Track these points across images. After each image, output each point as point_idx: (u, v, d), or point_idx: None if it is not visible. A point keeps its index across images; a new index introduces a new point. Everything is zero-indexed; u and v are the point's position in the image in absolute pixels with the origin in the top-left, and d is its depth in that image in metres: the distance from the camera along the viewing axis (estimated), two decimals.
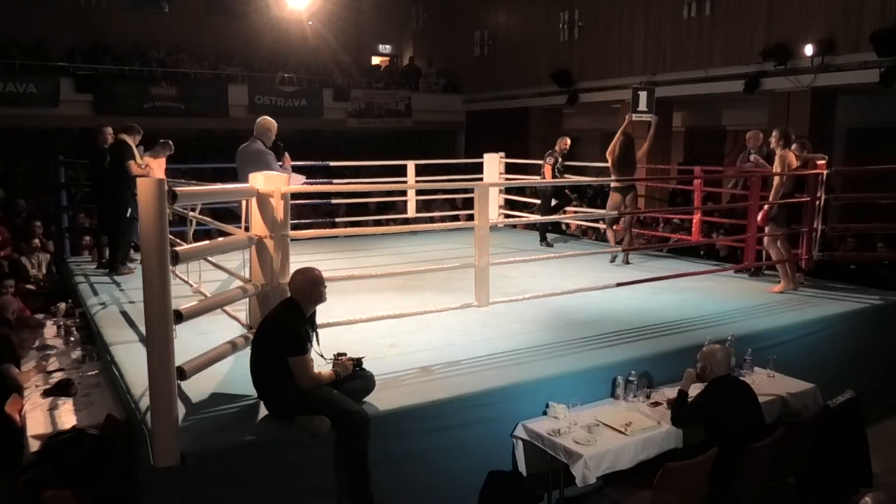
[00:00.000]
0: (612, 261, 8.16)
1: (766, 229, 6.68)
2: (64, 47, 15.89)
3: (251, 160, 5.89)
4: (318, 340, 3.97)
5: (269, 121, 6.18)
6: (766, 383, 4.88)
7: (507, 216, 10.30)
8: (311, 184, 8.12)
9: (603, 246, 9.78)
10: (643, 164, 9.39)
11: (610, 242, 8.68)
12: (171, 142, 8.16)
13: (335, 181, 7.05)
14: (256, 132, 6.08)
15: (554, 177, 9.19)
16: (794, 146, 6.90)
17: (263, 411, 3.80)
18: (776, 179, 6.56)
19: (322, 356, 3.98)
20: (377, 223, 11.59)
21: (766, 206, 6.58)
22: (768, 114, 11.82)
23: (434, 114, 18.76)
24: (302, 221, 9.98)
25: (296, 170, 6.98)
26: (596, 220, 10.72)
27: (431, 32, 20.50)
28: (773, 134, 6.75)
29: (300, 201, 10.96)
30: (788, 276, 6.71)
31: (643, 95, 8.56)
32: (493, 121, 17.55)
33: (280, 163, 6.04)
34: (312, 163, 10.00)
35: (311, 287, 3.85)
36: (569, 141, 9.60)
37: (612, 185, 8.16)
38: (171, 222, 3.70)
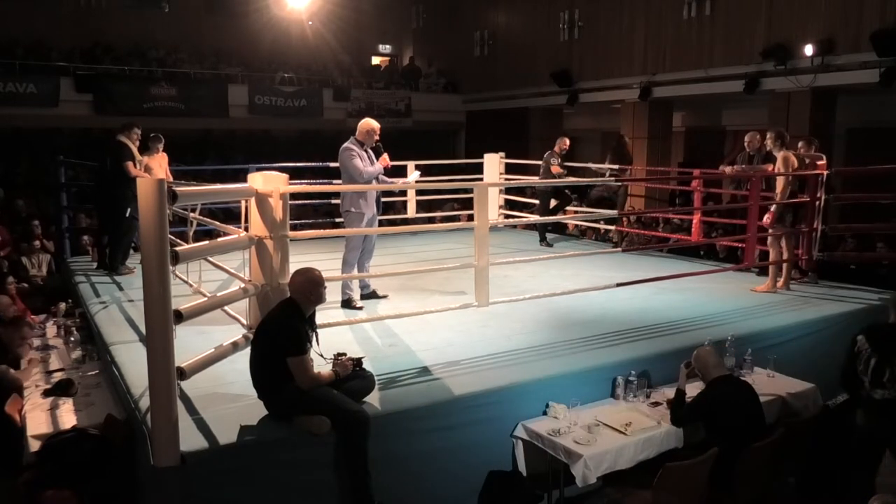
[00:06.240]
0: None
1: (771, 229, 6.68)
2: (64, 47, 15.90)
3: (340, 159, 5.90)
4: (317, 340, 3.97)
5: (366, 122, 5.97)
6: (766, 383, 4.88)
7: (507, 216, 10.30)
8: (311, 184, 8.13)
9: (603, 246, 9.80)
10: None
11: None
12: (160, 134, 8.10)
13: (335, 181, 7.02)
14: (356, 132, 6.03)
15: (552, 177, 9.19)
16: (800, 144, 6.91)
17: (263, 411, 3.80)
18: (782, 180, 6.57)
19: (322, 356, 3.98)
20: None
21: (773, 209, 6.58)
22: (768, 114, 11.82)
23: (434, 114, 18.77)
24: (302, 221, 10.00)
25: (295, 171, 6.91)
26: (596, 221, 10.74)
27: (431, 32, 20.51)
28: (769, 136, 6.77)
29: (300, 201, 10.97)
30: (775, 277, 6.73)
31: None
32: (493, 121, 17.56)
33: (373, 163, 5.93)
34: (313, 163, 10.04)
35: (310, 287, 3.85)
36: (568, 141, 9.61)
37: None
38: (171, 222, 3.71)
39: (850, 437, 4.54)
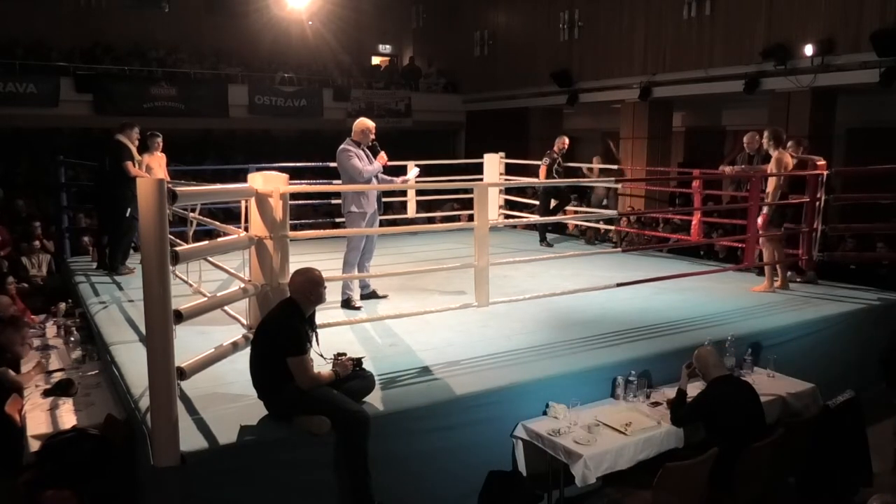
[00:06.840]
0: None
1: (761, 231, 6.67)
2: (64, 47, 15.88)
3: (338, 160, 5.94)
4: (317, 340, 3.97)
5: (360, 122, 6.02)
6: (766, 383, 4.88)
7: (507, 216, 10.31)
8: (311, 184, 8.13)
9: (603, 246, 9.80)
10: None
11: None
12: (157, 132, 8.09)
13: (335, 181, 7.02)
14: (352, 132, 6.06)
15: (552, 177, 9.18)
16: (789, 144, 6.91)
17: (263, 411, 3.80)
18: (772, 181, 6.56)
19: (322, 356, 3.98)
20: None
21: (765, 211, 6.58)
22: (768, 114, 11.81)
23: (434, 114, 18.75)
24: (302, 221, 10.00)
25: (295, 171, 6.90)
26: (596, 221, 10.73)
27: (431, 32, 20.49)
28: (765, 135, 6.78)
29: (300, 201, 10.96)
30: (772, 277, 6.73)
31: None
32: (493, 121, 17.55)
33: (371, 162, 5.93)
34: (313, 163, 10.04)
35: (310, 287, 3.85)
36: (567, 140, 9.60)
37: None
38: (171, 222, 3.71)
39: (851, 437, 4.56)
